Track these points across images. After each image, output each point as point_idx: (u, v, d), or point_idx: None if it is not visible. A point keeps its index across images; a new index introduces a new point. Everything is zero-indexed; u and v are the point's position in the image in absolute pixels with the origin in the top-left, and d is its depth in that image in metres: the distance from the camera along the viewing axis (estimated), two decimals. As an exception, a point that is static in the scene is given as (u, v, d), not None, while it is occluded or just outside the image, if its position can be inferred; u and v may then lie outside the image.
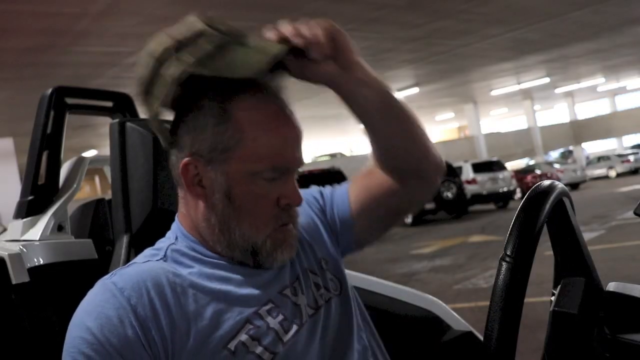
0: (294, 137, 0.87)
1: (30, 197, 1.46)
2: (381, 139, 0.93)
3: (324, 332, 0.89)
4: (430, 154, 0.95)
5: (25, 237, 1.44)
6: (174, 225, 0.94)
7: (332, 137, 29.41)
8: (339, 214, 1.01)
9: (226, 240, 0.85)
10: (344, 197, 1.02)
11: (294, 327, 0.85)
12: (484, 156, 21.67)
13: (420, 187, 0.98)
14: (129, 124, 1.23)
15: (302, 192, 0.94)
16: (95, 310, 0.76)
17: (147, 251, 0.90)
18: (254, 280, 0.87)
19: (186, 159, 0.84)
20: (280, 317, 0.84)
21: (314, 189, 1.06)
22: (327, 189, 1.06)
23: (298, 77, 0.86)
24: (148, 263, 0.85)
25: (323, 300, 0.92)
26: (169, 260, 0.86)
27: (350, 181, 1.04)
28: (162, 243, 0.91)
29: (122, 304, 0.76)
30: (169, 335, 0.77)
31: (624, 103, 32.35)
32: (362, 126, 0.92)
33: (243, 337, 0.80)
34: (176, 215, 0.94)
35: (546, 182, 0.80)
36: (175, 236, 0.90)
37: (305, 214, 0.99)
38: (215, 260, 0.87)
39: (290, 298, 0.88)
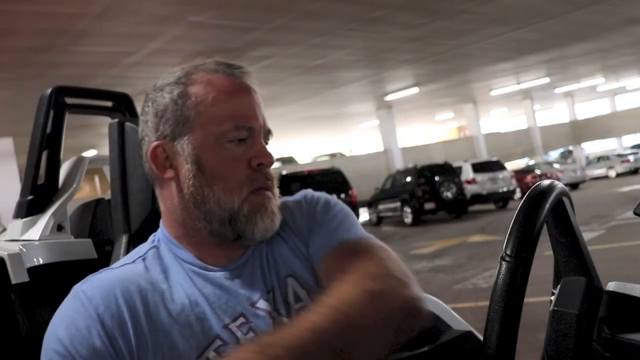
0: (254, 101, 0.88)
1: (29, 197, 1.46)
2: None
3: None
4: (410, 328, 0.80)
5: (25, 237, 1.44)
6: (158, 230, 0.93)
7: (332, 137, 29.44)
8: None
9: (202, 213, 0.85)
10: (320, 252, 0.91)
11: None
12: (483, 156, 21.68)
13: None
14: (128, 124, 1.23)
15: (290, 198, 0.97)
16: (65, 320, 0.77)
17: (128, 255, 0.90)
18: (229, 291, 0.84)
19: (153, 143, 0.86)
20: (251, 334, 0.82)
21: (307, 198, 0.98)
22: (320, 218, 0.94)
23: None
24: (123, 268, 0.84)
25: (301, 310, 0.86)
26: (148, 260, 0.86)
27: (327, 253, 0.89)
28: (144, 247, 0.90)
29: (90, 314, 0.76)
30: (135, 346, 0.76)
31: (623, 103, 32.37)
32: None
33: (211, 354, 0.78)
34: (161, 220, 0.93)
35: (546, 182, 0.80)
36: (158, 239, 0.90)
37: (302, 217, 0.95)
38: (193, 267, 0.85)
39: (265, 311, 0.84)
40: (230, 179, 0.84)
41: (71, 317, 0.76)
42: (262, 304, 0.85)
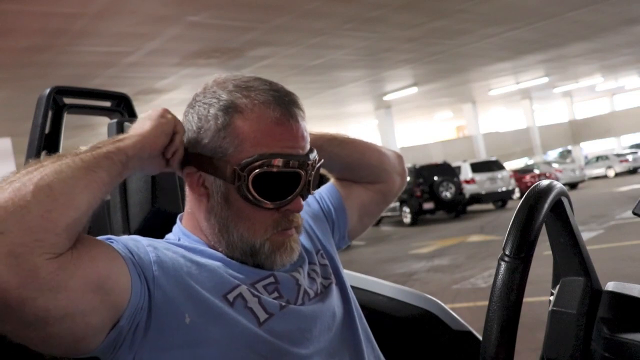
0: (297, 144, 0.85)
1: (28, 197, 1.46)
2: (339, 165, 1.13)
3: (324, 317, 0.91)
4: (384, 163, 1.16)
5: (23, 237, 1.43)
6: (175, 227, 0.96)
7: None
8: (333, 202, 1.12)
9: (225, 241, 0.87)
10: (331, 189, 1.14)
11: (289, 304, 0.87)
12: (482, 156, 21.67)
13: (385, 187, 1.18)
14: (127, 124, 1.23)
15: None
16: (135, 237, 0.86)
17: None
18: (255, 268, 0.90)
19: (189, 169, 0.88)
20: (275, 294, 0.87)
21: (310, 198, 1.14)
22: (320, 194, 1.15)
23: None
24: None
25: (322, 286, 0.96)
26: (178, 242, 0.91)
27: (331, 180, 1.19)
28: (169, 239, 0.94)
29: (150, 248, 0.83)
30: (172, 271, 0.81)
31: (622, 102, 32.37)
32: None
33: (243, 290, 0.83)
34: (178, 216, 0.97)
35: (545, 182, 0.79)
36: (178, 237, 0.93)
37: (309, 214, 1.08)
38: (216, 256, 0.89)
39: (293, 278, 0.91)
40: (256, 220, 0.85)
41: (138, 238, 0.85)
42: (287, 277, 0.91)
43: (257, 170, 0.81)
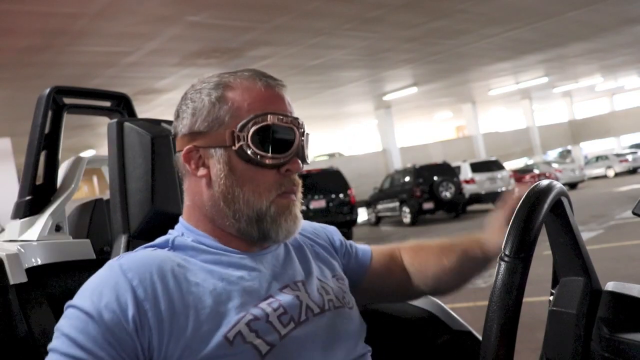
0: (287, 109, 0.93)
1: (28, 197, 1.46)
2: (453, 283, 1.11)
3: (328, 335, 0.90)
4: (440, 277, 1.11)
5: (23, 237, 1.43)
6: (178, 225, 0.96)
7: (331, 137, 29.43)
8: (355, 268, 1.11)
9: (231, 211, 0.89)
10: (366, 256, 1.14)
11: (292, 323, 0.86)
12: (482, 156, 21.68)
13: (408, 289, 1.14)
14: (127, 124, 1.23)
15: (322, 225, 1.11)
16: (98, 285, 0.79)
17: (156, 241, 0.93)
18: (258, 275, 0.89)
19: (188, 146, 0.90)
20: (281, 310, 0.86)
21: (334, 229, 1.16)
22: (351, 241, 1.16)
23: None
24: (156, 251, 0.88)
25: (332, 305, 0.94)
26: (175, 250, 0.89)
27: (371, 247, 1.17)
28: (169, 235, 0.94)
29: (124, 284, 0.78)
30: (167, 319, 0.78)
31: (622, 102, 32.37)
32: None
33: (242, 327, 0.81)
34: (180, 216, 0.97)
35: (544, 182, 0.79)
36: (182, 232, 0.94)
37: (324, 239, 1.09)
38: (220, 252, 0.90)
39: (293, 294, 0.90)
40: (259, 181, 0.89)
41: (104, 283, 0.79)
42: (290, 289, 0.91)
43: (254, 128, 0.87)
